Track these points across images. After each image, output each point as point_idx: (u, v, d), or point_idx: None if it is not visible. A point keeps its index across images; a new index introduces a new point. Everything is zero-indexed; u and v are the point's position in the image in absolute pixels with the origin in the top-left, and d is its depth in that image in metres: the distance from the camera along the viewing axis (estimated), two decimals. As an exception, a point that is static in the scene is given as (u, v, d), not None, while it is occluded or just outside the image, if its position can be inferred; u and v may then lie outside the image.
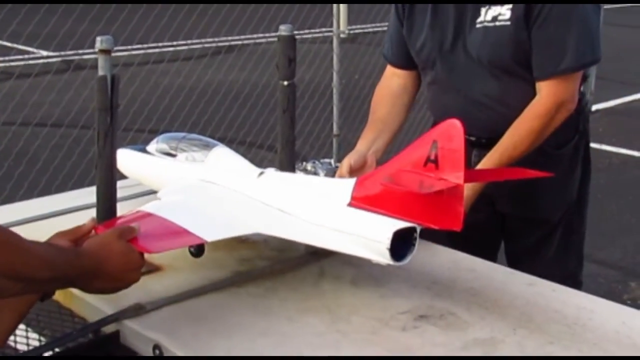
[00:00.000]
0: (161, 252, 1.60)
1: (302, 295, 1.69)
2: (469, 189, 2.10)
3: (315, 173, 2.42)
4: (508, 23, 2.10)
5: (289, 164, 2.09)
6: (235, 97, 6.12)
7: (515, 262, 2.37)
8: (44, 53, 7.43)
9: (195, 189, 1.83)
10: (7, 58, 6.22)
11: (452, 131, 1.47)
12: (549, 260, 2.35)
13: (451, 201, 1.47)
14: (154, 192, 2.00)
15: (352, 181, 1.63)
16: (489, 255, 2.36)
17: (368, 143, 2.26)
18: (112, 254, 1.46)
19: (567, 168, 2.31)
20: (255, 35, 6.37)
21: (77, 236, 1.58)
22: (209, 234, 1.62)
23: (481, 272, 1.85)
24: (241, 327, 1.57)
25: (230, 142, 5.68)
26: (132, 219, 1.63)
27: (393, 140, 2.34)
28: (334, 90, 5.23)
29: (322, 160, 2.50)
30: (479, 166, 2.16)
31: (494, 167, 2.13)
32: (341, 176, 2.09)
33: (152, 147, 2.01)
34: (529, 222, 2.36)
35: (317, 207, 1.66)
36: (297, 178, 1.85)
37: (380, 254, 1.54)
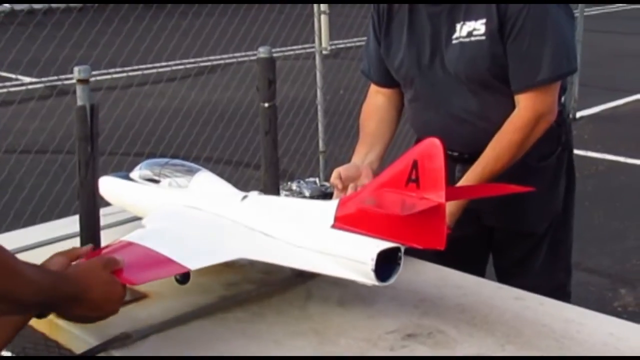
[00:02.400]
0: (145, 283, 1.59)
1: (290, 319, 1.68)
2: (453, 205, 2.11)
3: (300, 193, 2.42)
4: (483, 38, 2.11)
5: (273, 186, 2.09)
6: (220, 116, 6.12)
7: (504, 276, 2.37)
8: (27, 80, 7.42)
9: (179, 215, 1.82)
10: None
11: (433, 150, 1.48)
12: (537, 273, 2.36)
13: (434, 220, 1.47)
14: (138, 218, 2.00)
15: (334, 202, 1.63)
16: (478, 269, 2.36)
17: (361, 156, 2.27)
18: (95, 283, 1.47)
19: (551, 180, 2.32)
20: (237, 54, 6.38)
21: (73, 257, 1.60)
22: (193, 262, 1.61)
23: (469, 288, 1.84)
24: (229, 353, 1.56)
25: (216, 162, 5.73)
26: (117, 249, 1.62)
27: (386, 152, 2.34)
28: (319, 107, 5.24)
29: (306, 180, 2.49)
30: (462, 181, 2.16)
31: (476, 182, 2.14)
32: (333, 184, 2.10)
33: (135, 174, 2.00)
34: (516, 235, 2.36)
35: (301, 230, 1.65)
36: (281, 201, 1.84)
37: (365, 275, 1.53)
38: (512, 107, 2.16)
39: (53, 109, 5.57)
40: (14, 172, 4.89)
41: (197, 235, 1.72)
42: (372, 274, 1.52)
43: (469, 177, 2.15)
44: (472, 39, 2.12)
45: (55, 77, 5.63)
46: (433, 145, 1.48)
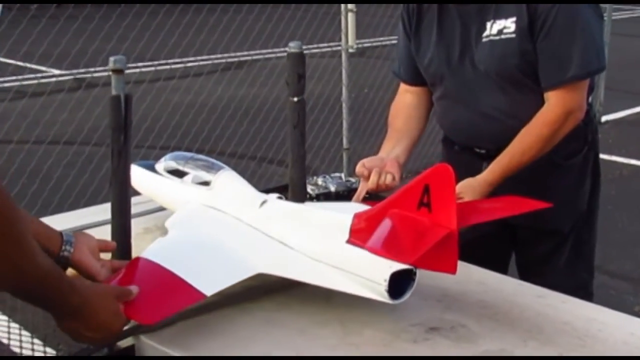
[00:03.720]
0: (157, 321, 1.58)
1: (315, 309, 1.70)
2: (477, 193, 2.13)
3: (326, 187, 2.46)
4: (513, 35, 2.13)
5: (299, 180, 2.12)
6: (246, 112, 6.15)
7: (526, 273, 2.38)
8: (56, 72, 7.50)
9: (201, 220, 1.86)
10: (20, 77, 6.29)
11: (444, 175, 1.50)
12: (559, 271, 2.37)
13: (446, 246, 1.50)
14: (153, 211, 2.11)
15: (350, 216, 1.63)
16: (500, 266, 2.38)
17: (387, 150, 2.30)
18: (103, 310, 1.46)
19: (576, 179, 2.33)
20: (264, 51, 6.41)
21: (102, 247, 1.70)
22: (210, 285, 1.62)
23: (491, 285, 1.86)
24: (254, 340, 1.59)
25: (240, 158, 5.78)
26: (135, 269, 1.65)
27: (413, 147, 2.36)
28: (344, 105, 5.25)
29: (332, 175, 2.54)
30: (487, 171, 2.18)
31: (502, 173, 2.16)
32: (358, 174, 2.13)
33: (160, 165, 2.05)
34: (540, 233, 2.37)
35: (317, 243, 1.67)
36: (298, 210, 1.82)
37: (378, 294, 1.56)
38: (541, 105, 2.18)
39: (81, 101, 5.64)
40: (42, 163, 4.96)
41: (217, 248, 1.74)
42: (386, 294, 1.54)
43: (495, 168, 2.17)
44: (503, 36, 2.14)
45: (84, 70, 5.70)
46: (444, 170, 1.50)
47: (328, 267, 1.63)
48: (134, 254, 1.81)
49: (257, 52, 6.57)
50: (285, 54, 2.07)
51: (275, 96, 6.01)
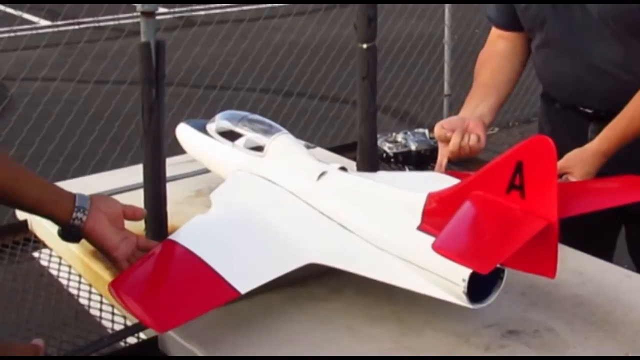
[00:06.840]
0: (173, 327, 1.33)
1: (370, 300, 1.43)
2: (588, 165, 1.81)
3: (406, 145, 2.19)
4: None
5: (370, 139, 1.85)
6: (351, 53, 5.84)
7: (638, 252, 2.04)
8: (162, 9, 7.43)
9: (248, 195, 1.61)
10: (116, 16, 6.20)
11: (543, 151, 1.18)
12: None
13: (541, 241, 1.19)
14: (206, 171, 1.88)
15: (422, 196, 1.34)
16: (607, 242, 2.10)
17: (470, 109, 1.98)
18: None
19: None
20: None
21: (129, 214, 1.49)
22: (248, 280, 1.36)
23: (591, 274, 1.54)
24: (293, 337, 1.35)
25: (344, 102, 5.49)
26: (162, 260, 1.43)
27: (501, 106, 2.03)
28: (445, 47, 4.85)
29: (415, 131, 2.26)
30: (598, 138, 1.84)
31: (618, 140, 1.82)
32: (437, 137, 1.85)
33: (211, 126, 1.82)
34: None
35: (383, 228, 1.38)
36: (362, 185, 1.51)
37: (455, 295, 1.26)
38: None
39: (179, 40, 5.48)
40: (138, 105, 4.81)
41: (263, 231, 1.48)
42: (464, 297, 1.25)
43: (609, 134, 1.84)
44: None
45: (185, 8, 5.54)
46: (543, 144, 1.19)
47: (394, 258, 1.35)
48: (180, 220, 1.57)
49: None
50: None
51: (382, 36, 5.66)
